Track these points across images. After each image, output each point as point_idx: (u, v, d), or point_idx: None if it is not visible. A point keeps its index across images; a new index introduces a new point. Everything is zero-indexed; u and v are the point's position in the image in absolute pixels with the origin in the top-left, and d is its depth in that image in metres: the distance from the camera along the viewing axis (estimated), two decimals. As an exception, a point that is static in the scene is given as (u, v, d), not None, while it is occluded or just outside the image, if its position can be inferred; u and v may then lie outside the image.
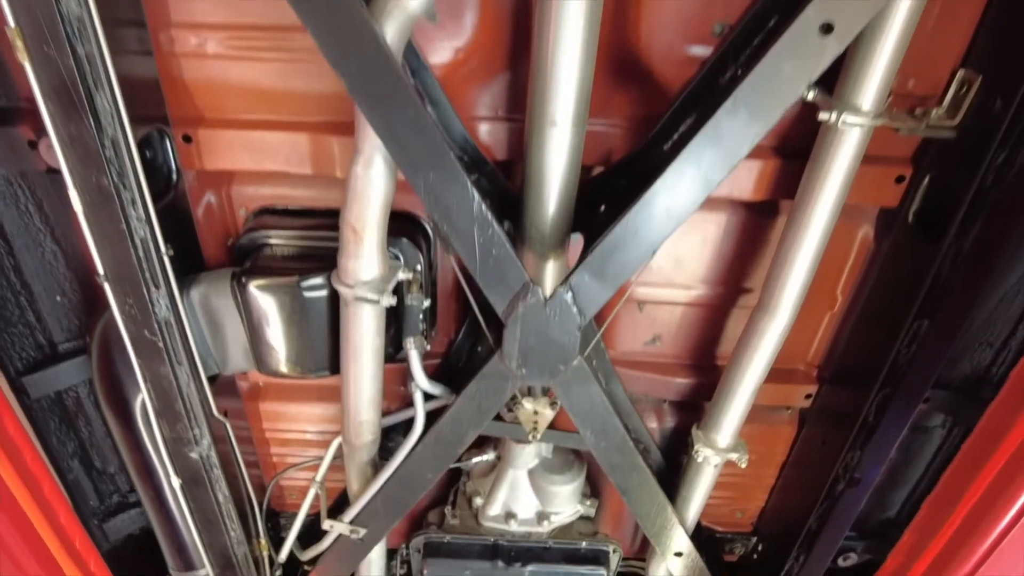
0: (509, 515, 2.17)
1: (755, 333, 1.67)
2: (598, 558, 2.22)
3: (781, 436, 2.15)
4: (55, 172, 1.41)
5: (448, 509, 2.27)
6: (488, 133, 1.63)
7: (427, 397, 1.82)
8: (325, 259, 1.61)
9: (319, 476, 2.07)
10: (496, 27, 1.46)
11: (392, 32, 1.24)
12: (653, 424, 2.15)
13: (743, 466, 1.87)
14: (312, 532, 2.16)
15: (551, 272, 1.56)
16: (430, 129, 1.26)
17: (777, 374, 1.80)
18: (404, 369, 1.92)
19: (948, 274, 1.49)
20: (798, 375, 2.04)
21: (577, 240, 1.67)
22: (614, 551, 2.23)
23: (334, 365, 1.75)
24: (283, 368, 1.75)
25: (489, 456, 2.18)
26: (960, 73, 1.41)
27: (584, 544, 2.22)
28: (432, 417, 1.80)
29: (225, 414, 1.86)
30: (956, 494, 1.59)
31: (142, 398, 1.71)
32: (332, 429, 2.18)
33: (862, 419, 1.77)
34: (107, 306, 1.54)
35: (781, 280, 1.57)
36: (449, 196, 1.33)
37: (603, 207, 1.65)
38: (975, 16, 1.39)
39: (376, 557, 2.23)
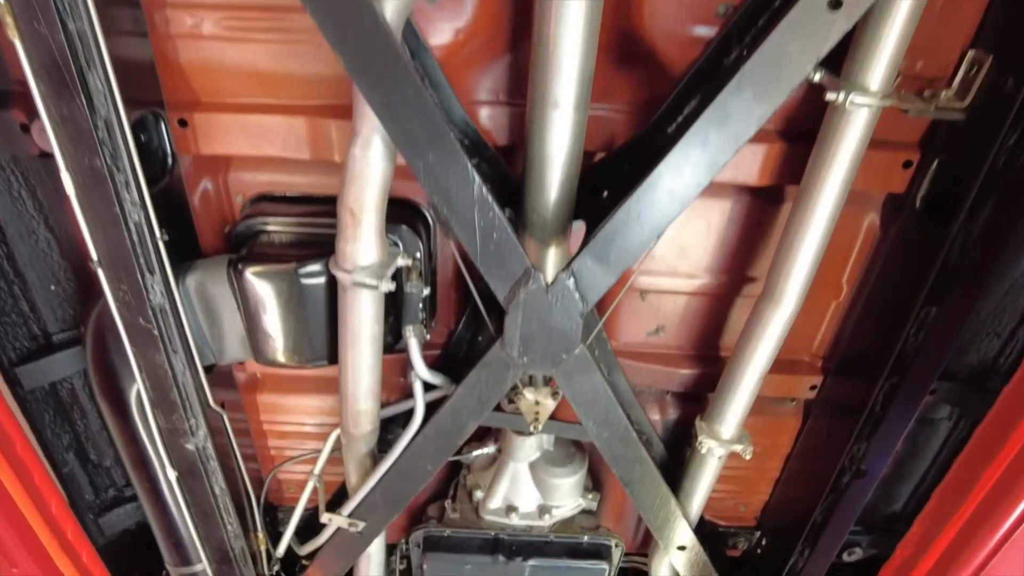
0: (510, 508, 2.14)
1: (760, 322, 1.64)
2: (600, 552, 2.19)
3: (785, 428, 2.12)
4: (48, 156, 1.39)
5: (448, 503, 2.24)
6: (489, 118, 1.61)
7: (427, 388, 1.80)
8: (323, 246, 1.58)
9: (317, 469, 2.04)
10: (497, 7, 1.44)
11: (391, 10, 1.21)
12: (656, 416, 2.12)
13: (748, 458, 1.84)
14: (310, 526, 2.13)
15: (553, 259, 1.54)
16: (430, 108, 1.23)
17: (781, 365, 1.77)
18: (403, 361, 1.90)
19: (957, 259, 1.46)
20: (802, 366, 2.01)
21: (579, 228, 1.65)
22: (616, 545, 2.20)
23: (332, 355, 1.72)
24: (280, 357, 1.73)
25: (490, 449, 2.16)
26: (970, 53, 1.38)
27: (586, 538, 2.19)
28: (432, 408, 1.77)
29: (222, 405, 1.83)
30: (967, 483, 1.56)
31: (137, 388, 1.69)
32: (331, 421, 2.15)
33: (869, 409, 1.75)
34: (101, 294, 1.51)
35: (787, 268, 1.55)
36: (449, 178, 1.31)
37: (606, 193, 1.62)
38: (985, -5, 1.37)
39: (375, 551, 2.20)
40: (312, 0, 1.15)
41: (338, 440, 1.93)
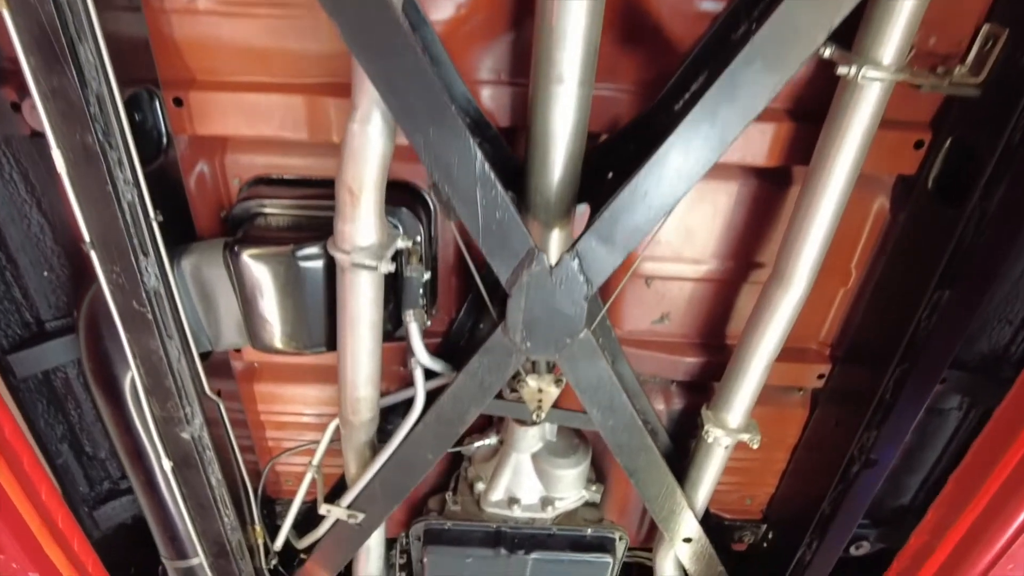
0: (512, 500, 2.10)
1: (768, 305, 1.61)
2: (604, 545, 2.15)
3: (792, 418, 2.08)
4: (40, 137, 1.35)
5: (449, 495, 2.20)
6: (491, 98, 1.57)
7: (427, 375, 1.76)
8: (322, 230, 1.54)
9: (316, 460, 2.00)
10: (500, -19, 1.41)
11: (390, -21, 1.18)
12: (661, 406, 2.09)
13: (755, 447, 1.81)
14: (309, 519, 2.10)
15: (556, 241, 1.50)
16: (430, 80, 1.20)
17: (789, 353, 1.74)
18: (403, 350, 1.86)
19: (972, 238, 1.43)
20: (810, 354, 1.98)
21: (583, 211, 1.62)
22: (620, 539, 2.16)
23: (331, 341, 1.68)
24: (278, 343, 1.69)
25: (491, 440, 2.12)
26: (985, 28, 1.35)
27: (590, 531, 2.15)
28: (433, 396, 1.74)
29: (219, 394, 1.80)
30: (985, 469, 1.52)
31: (131, 376, 1.65)
32: (329, 412, 2.11)
33: (879, 397, 1.71)
34: (95, 279, 1.48)
35: (796, 248, 1.51)
36: (450, 154, 1.27)
37: (611, 174, 1.59)
38: (1000, -33, 1.34)
39: (375, 545, 2.17)
40: (309, -32, 1.12)
41: (337, 430, 1.90)
